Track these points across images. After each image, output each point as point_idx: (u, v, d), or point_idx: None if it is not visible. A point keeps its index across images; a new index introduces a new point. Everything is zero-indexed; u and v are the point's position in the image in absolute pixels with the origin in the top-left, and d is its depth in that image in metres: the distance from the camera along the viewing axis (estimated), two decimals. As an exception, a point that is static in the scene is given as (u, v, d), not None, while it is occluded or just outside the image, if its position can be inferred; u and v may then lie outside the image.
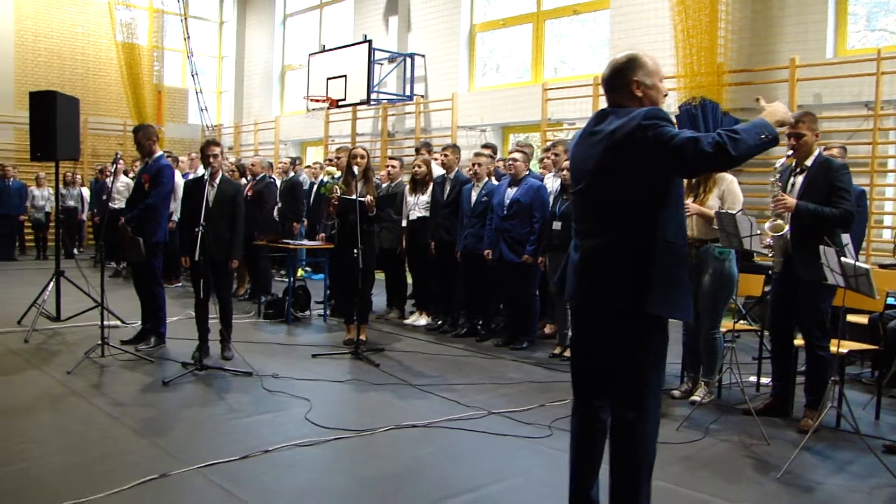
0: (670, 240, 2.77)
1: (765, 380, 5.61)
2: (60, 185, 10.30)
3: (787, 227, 4.61)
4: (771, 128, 2.63)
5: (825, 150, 5.70)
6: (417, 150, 9.13)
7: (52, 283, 7.43)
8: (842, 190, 4.51)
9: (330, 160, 8.56)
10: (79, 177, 15.06)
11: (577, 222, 2.98)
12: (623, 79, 2.83)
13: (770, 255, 5.00)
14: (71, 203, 14.47)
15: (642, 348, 2.82)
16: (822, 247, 4.22)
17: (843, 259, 4.08)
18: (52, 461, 3.82)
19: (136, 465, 3.76)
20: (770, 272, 5.51)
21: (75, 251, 14.17)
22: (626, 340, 2.82)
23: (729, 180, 5.12)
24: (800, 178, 4.71)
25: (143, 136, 6.46)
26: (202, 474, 3.68)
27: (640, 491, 2.85)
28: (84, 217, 14.97)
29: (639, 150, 2.66)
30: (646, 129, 2.64)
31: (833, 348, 4.59)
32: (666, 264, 2.75)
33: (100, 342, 5.97)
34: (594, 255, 2.85)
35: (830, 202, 4.50)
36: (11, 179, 13.86)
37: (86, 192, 14.79)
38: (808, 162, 4.68)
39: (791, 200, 4.56)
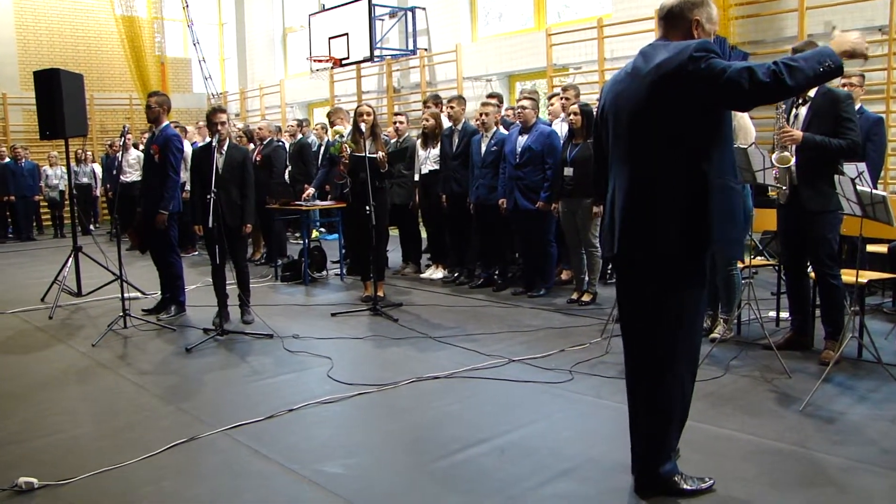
0: (722, 176, 2.68)
1: (784, 314, 5.59)
2: (72, 163, 10.35)
3: (793, 160, 4.54)
4: (835, 56, 2.47)
5: (843, 79, 5.58)
6: (425, 104, 9.01)
7: (71, 260, 7.50)
8: (847, 120, 4.44)
9: (333, 122, 8.49)
10: (90, 153, 15.13)
11: (619, 164, 2.84)
12: (687, 14, 2.74)
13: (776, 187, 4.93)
14: (84, 180, 14.60)
15: (681, 297, 2.77)
16: (836, 176, 4.16)
17: (859, 187, 4.02)
18: (83, 431, 3.90)
19: (164, 430, 3.83)
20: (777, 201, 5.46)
21: (91, 227, 14.28)
22: (668, 287, 2.76)
23: (741, 115, 5.01)
24: (803, 110, 4.62)
25: (157, 102, 6.42)
26: (229, 436, 3.74)
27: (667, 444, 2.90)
28: (98, 193, 15.10)
29: (690, 83, 2.55)
30: (698, 60, 2.53)
31: (852, 278, 4.54)
32: (718, 201, 2.66)
33: (122, 314, 6.05)
34: (642, 196, 2.73)
35: (837, 133, 4.43)
36: (24, 161, 13.90)
37: (97, 168, 14.90)
38: (811, 93, 4.56)
39: (798, 133, 4.48)
